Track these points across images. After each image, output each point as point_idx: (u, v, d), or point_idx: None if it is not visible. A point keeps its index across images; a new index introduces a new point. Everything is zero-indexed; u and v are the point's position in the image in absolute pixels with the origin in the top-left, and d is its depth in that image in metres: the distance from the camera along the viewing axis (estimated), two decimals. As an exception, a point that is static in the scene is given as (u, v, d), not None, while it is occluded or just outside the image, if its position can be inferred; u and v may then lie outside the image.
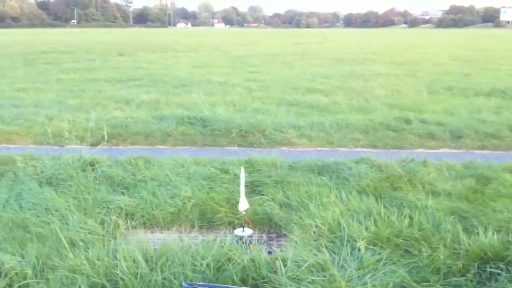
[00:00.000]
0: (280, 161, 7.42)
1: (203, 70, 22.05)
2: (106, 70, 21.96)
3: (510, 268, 4.15)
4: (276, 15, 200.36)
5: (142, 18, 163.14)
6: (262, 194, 6.09)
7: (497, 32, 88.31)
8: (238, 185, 5.38)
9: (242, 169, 5.22)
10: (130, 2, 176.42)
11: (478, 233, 4.70)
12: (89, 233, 5.01)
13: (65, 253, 4.42)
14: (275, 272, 4.11)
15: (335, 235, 4.81)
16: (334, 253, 4.46)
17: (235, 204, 5.56)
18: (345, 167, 7.04)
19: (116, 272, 4.12)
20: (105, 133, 8.51)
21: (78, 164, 7.02)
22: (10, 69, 22.64)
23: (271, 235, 5.30)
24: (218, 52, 35.67)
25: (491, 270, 4.17)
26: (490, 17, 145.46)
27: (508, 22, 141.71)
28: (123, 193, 6.16)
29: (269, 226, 5.45)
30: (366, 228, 4.89)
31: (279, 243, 5.08)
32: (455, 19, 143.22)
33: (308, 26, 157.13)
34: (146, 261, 4.28)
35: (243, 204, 5.10)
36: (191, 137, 9.69)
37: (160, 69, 22.41)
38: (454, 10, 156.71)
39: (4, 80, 18.49)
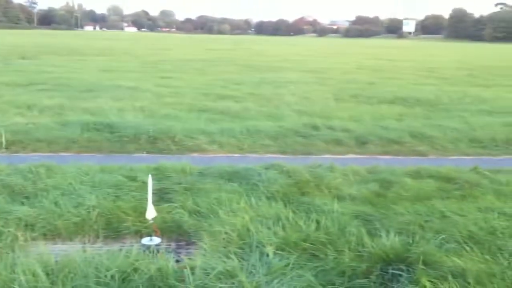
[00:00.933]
0: (190, 167, 7.35)
1: (112, 75, 21.47)
2: (7, 74, 20.80)
3: (410, 269, 4.32)
4: (188, 21, 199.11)
5: (48, 20, 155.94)
6: (171, 202, 5.98)
7: (400, 43, 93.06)
8: (146, 193, 5.25)
9: (150, 176, 5.12)
10: (35, 3, 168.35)
11: (381, 236, 4.88)
12: (-16, 247, 4.68)
13: (-44, 270, 4.09)
14: (183, 280, 4.03)
15: (244, 241, 4.81)
16: (243, 260, 4.45)
17: (142, 212, 5.39)
18: (255, 173, 7.07)
19: (15, 286, 3.89)
20: (3, 140, 8.00)
21: (-28, 173, 6.57)
22: None
23: (180, 243, 5.20)
24: (128, 57, 34.90)
25: (393, 271, 4.32)
26: (394, 28, 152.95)
27: (409, 33, 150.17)
28: (22, 203, 5.81)
29: (178, 234, 5.34)
30: (275, 233, 4.93)
31: (188, 251, 5.00)
32: (361, 29, 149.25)
33: (220, 32, 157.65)
34: (47, 274, 4.06)
35: (151, 212, 5.00)
36: (97, 144, 9.34)
37: (66, 73, 21.52)
38: (360, 20, 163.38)
39: None
